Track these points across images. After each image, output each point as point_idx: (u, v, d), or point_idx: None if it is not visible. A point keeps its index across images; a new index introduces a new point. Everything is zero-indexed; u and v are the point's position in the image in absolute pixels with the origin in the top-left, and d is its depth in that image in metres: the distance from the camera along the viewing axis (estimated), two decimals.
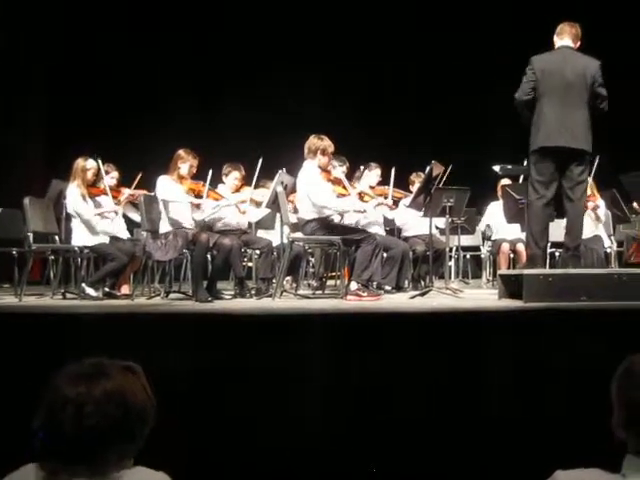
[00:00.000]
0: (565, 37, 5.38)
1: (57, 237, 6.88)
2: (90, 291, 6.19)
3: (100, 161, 6.50)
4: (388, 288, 6.95)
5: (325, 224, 6.18)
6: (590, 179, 7.60)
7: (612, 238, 8.06)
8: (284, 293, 6.18)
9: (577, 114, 5.21)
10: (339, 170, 6.55)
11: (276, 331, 3.91)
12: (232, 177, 6.74)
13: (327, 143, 6.26)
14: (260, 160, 6.48)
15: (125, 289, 6.57)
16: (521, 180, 7.35)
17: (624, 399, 1.66)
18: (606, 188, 7.67)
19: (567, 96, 5.21)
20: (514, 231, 7.91)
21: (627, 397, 1.66)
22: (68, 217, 6.67)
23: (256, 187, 6.77)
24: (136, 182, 6.86)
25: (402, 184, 7.65)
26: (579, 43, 5.41)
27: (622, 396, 1.67)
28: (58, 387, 1.57)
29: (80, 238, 6.41)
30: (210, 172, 6.15)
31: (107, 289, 6.33)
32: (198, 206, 6.21)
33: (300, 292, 6.59)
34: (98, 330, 3.95)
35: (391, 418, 3.71)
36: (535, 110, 5.29)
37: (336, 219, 6.42)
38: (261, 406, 3.69)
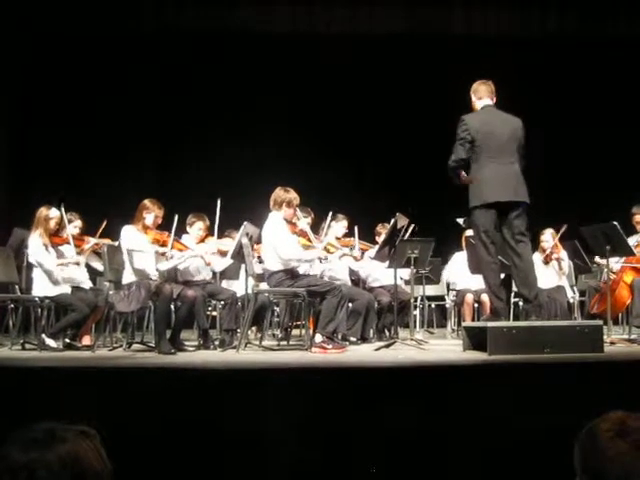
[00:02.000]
0: (484, 97, 5.57)
1: (17, 286, 6.77)
2: (50, 342, 6.09)
3: (63, 208, 6.41)
4: (353, 339, 6.93)
5: (290, 276, 6.17)
6: (552, 230, 7.74)
7: (574, 288, 8.14)
8: (248, 344, 6.13)
9: (513, 169, 5.40)
10: (304, 222, 6.56)
11: (239, 386, 3.86)
12: (196, 227, 6.72)
13: (293, 195, 6.28)
14: (219, 202, 6.45)
15: (86, 340, 6.46)
16: None
17: (585, 465, 1.65)
18: (568, 239, 7.77)
19: (502, 153, 5.39)
20: (478, 282, 7.95)
21: (588, 463, 1.64)
22: (29, 266, 6.58)
23: (220, 235, 6.75)
24: (100, 230, 6.80)
25: (368, 235, 7.69)
26: (495, 98, 5.61)
27: (583, 462, 1.66)
28: (8, 453, 1.51)
29: (41, 288, 6.32)
30: (175, 221, 6.12)
31: (68, 340, 6.23)
32: (164, 254, 6.15)
33: (265, 343, 6.54)
34: (57, 384, 3.88)
35: (356, 473, 3.66)
36: (473, 167, 5.43)
37: (301, 270, 6.41)
38: (225, 461, 3.63)
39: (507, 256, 5.54)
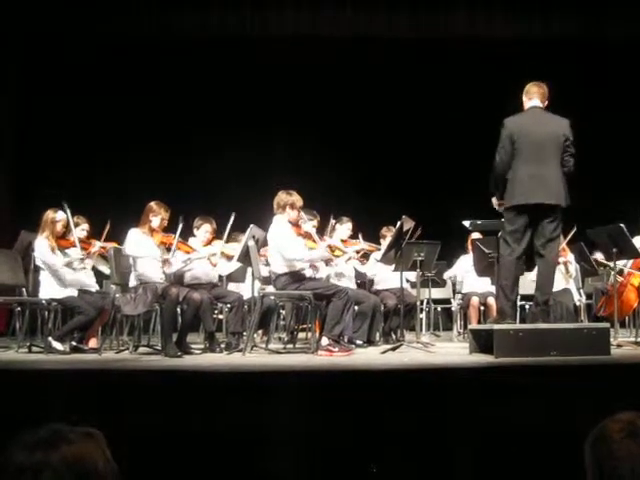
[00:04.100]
0: (534, 97, 5.47)
1: (24, 289, 6.78)
2: (57, 345, 6.09)
3: (68, 209, 6.37)
4: (359, 342, 6.92)
5: (297, 278, 6.17)
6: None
7: (581, 291, 8.12)
8: (254, 347, 6.13)
9: (550, 171, 5.28)
10: (309, 224, 6.56)
11: (246, 389, 3.86)
12: (203, 230, 6.73)
13: (295, 198, 6.28)
14: (232, 216, 6.48)
15: (93, 343, 6.46)
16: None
17: (596, 465, 1.64)
18: (574, 241, 7.74)
19: (540, 154, 5.27)
20: (484, 285, 7.96)
21: (599, 464, 1.63)
22: (36, 269, 6.58)
23: (227, 241, 6.76)
24: (105, 233, 6.79)
25: (373, 238, 7.69)
26: (547, 102, 5.52)
27: (594, 462, 1.65)
28: (13, 454, 1.51)
29: (48, 290, 6.32)
30: (180, 225, 6.11)
31: (74, 343, 6.23)
32: (166, 261, 6.15)
33: (271, 346, 6.54)
34: (63, 387, 3.88)
35: (361, 474, 3.65)
36: (511, 169, 5.33)
37: (308, 273, 6.41)
38: (230, 466, 3.62)
39: (530, 260, 5.51)
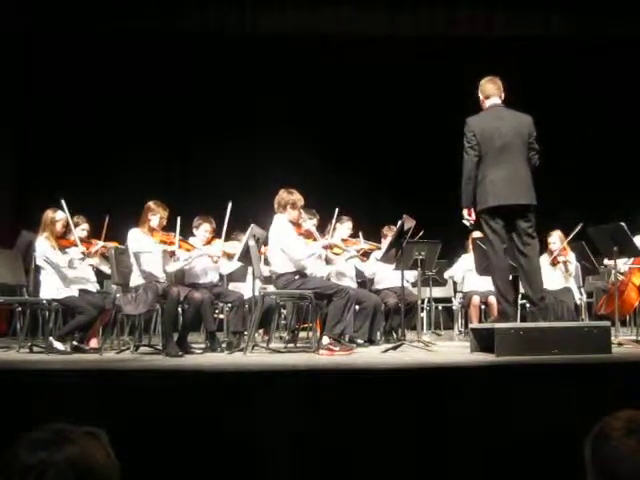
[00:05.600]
0: (492, 95, 5.48)
1: (25, 289, 6.78)
2: (58, 345, 6.09)
3: (65, 207, 6.33)
4: (360, 341, 6.92)
5: (298, 277, 6.16)
6: (560, 232, 7.71)
7: (582, 290, 8.12)
8: (255, 347, 6.12)
9: (519, 171, 5.30)
10: (309, 223, 6.56)
11: (247, 388, 3.86)
12: (203, 229, 6.73)
13: (297, 197, 6.28)
14: (229, 205, 6.44)
15: (94, 343, 6.47)
16: None
17: (598, 462, 1.64)
18: (575, 240, 7.74)
19: (507, 154, 5.29)
20: (485, 283, 7.95)
21: (601, 461, 1.63)
22: (37, 269, 6.59)
23: (227, 238, 6.75)
24: (105, 229, 6.76)
25: (373, 237, 7.69)
26: (503, 95, 5.52)
27: (596, 459, 1.65)
28: (17, 454, 1.51)
29: (49, 290, 6.32)
30: (178, 223, 6.11)
31: (75, 343, 6.23)
32: (172, 254, 6.16)
33: (272, 345, 6.54)
34: (65, 387, 3.88)
35: (362, 471, 3.65)
36: (479, 170, 5.34)
37: (308, 272, 6.41)
38: (231, 465, 3.62)
39: (515, 258, 5.52)
